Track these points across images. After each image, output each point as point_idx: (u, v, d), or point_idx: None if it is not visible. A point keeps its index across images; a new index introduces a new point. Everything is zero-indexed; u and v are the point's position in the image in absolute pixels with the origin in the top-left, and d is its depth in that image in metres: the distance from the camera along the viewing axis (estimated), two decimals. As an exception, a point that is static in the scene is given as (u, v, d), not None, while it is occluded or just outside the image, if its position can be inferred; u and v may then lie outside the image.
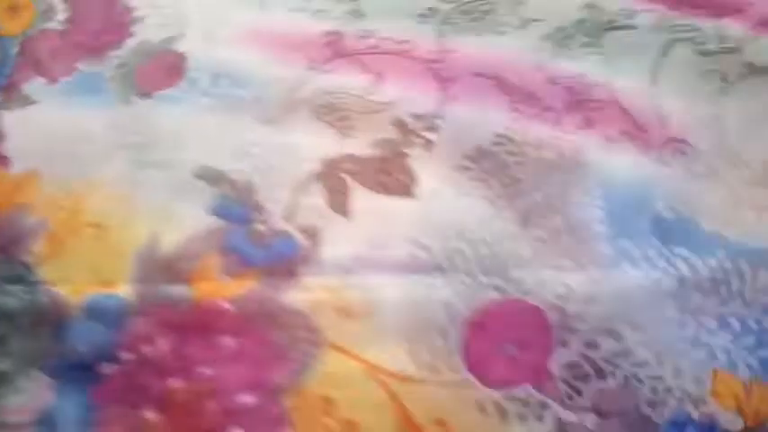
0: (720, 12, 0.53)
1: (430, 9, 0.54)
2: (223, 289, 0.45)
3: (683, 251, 0.46)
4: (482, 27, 0.53)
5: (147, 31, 0.53)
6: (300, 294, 0.45)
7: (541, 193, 0.48)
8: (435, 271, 0.46)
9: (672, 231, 0.47)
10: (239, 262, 0.46)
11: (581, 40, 0.53)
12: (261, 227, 0.47)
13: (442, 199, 0.48)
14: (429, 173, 0.49)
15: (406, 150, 0.49)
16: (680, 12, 0.53)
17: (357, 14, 0.54)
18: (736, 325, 0.44)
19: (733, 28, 0.53)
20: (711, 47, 0.53)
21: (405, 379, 0.43)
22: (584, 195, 0.48)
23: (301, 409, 0.43)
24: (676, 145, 0.50)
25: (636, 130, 0.50)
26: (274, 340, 0.44)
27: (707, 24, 0.53)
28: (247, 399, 0.43)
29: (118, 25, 0.53)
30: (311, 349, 0.44)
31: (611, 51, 0.52)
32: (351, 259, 0.46)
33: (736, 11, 0.53)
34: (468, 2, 0.54)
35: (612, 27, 0.53)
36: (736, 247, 0.46)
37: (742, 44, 0.53)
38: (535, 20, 0.53)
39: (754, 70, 0.52)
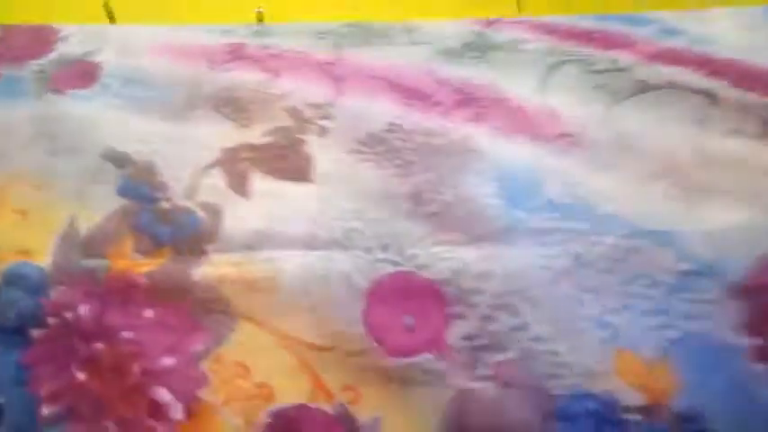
0: (610, 46, 0.57)
1: (329, 31, 0.59)
2: (137, 266, 0.46)
3: (579, 227, 0.47)
4: (376, 44, 0.58)
5: (69, 47, 0.58)
6: (208, 269, 0.46)
7: (433, 173, 0.49)
8: (334, 246, 0.47)
9: (566, 210, 0.48)
10: (149, 241, 0.48)
11: (470, 55, 0.57)
12: (165, 204, 0.49)
13: (338, 181, 0.50)
14: (325, 157, 0.51)
15: (301, 137, 0.52)
16: (570, 42, 0.57)
17: (262, 34, 0.59)
18: (640, 305, 0.44)
19: (623, 57, 0.56)
20: (601, 67, 0.55)
21: (313, 347, 0.43)
22: (477, 175, 0.49)
23: (218, 372, 0.43)
24: (569, 138, 0.51)
25: (527, 124, 0.52)
26: (188, 311, 0.45)
27: (596, 52, 0.56)
28: (168, 361, 0.44)
29: (43, 43, 0.59)
30: (224, 319, 0.45)
31: (497, 63, 0.56)
32: (252, 236, 0.47)
33: (625, 46, 0.57)
34: (365, 28, 0.59)
35: (503, 50, 0.57)
36: (635, 227, 0.47)
37: (632, 66, 0.55)
38: (425, 42, 0.58)
39: (648, 87, 0.54)
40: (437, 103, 0.53)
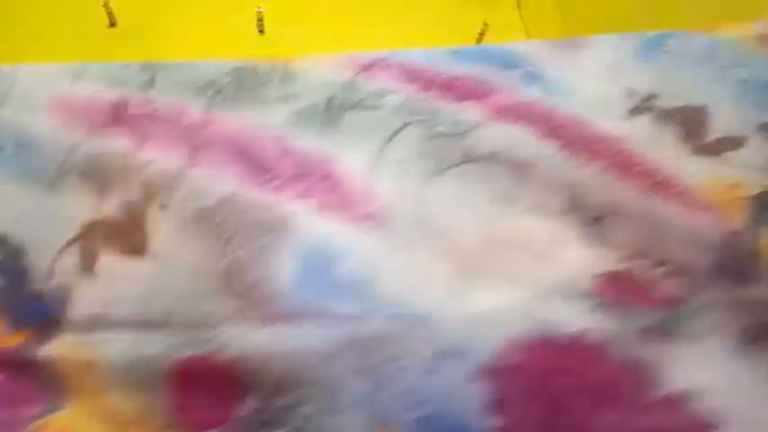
0: (463, 96, 0.59)
1: (210, 83, 0.60)
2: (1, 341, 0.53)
3: (354, 309, 0.51)
4: (248, 100, 0.59)
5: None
6: (52, 348, 0.52)
7: (248, 251, 0.53)
8: (152, 327, 0.52)
9: (350, 292, 0.51)
10: (12, 322, 0.54)
11: (324, 117, 0.59)
12: (28, 287, 0.55)
13: (168, 258, 0.54)
14: (160, 233, 0.55)
15: (146, 211, 0.55)
16: (428, 93, 0.59)
17: (150, 84, 0.60)
18: (398, 385, 0.48)
19: (469, 112, 0.58)
20: (440, 130, 0.58)
21: (128, 421, 0.50)
22: (286, 254, 0.53)
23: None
24: (379, 217, 0.54)
25: (345, 201, 0.55)
26: (30, 384, 0.52)
27: (446, 108, 0.58)
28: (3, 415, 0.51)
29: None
30: (57, 394, 0.52)
31: (347, 128, 0.58)
32: (90, 318, 0.53)
33: (480, 97, 0.58)
34: (245, 75, 0.60)
35: (360, 107, 0.59)
36: (403, 309, 0.50)
37: (471, 129, 0.57)
38: (296, 95, 0.59)
39: (470, 157, 0.57)
40: (276, 177, 0.56)
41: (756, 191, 0.54)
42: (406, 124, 0.58)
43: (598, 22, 0.85)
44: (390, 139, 0.58)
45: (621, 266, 0.53)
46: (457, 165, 0.56)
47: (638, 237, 0.53)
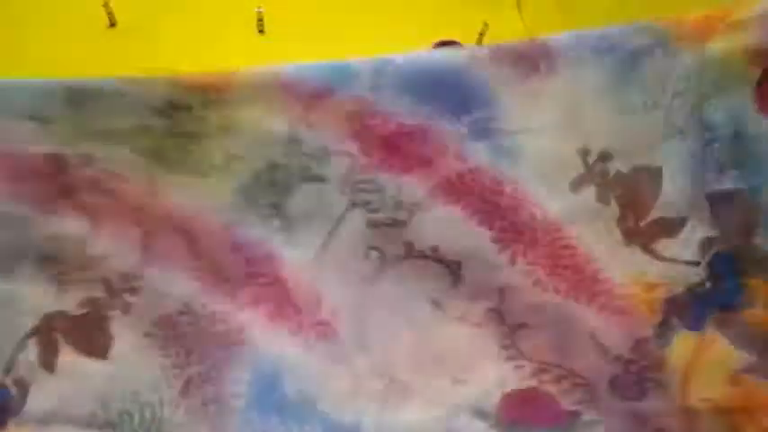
0: (408, 164, 0.57)
1: (144, 127, 0.56)
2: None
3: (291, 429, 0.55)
4: (190, 163, 0.57)
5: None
6: None
7: (204, 366, 0.56)
8: (107, 427, 0.55)
9: (294, 412, 0.55)
10: None
11: (269, 197, 0.57)
12: None
13: (130, 363, 0.57)
14: (123, 337, 0.57)
15: (108, 312, 0.57)
16: (371, 158, 0.57)
17: (78, 136, 0.56)
18: None
19: (413, 188, 0.57)
20: (382, 216, 0.57)
21: None
22: (237, 371, 0.56)
23: None
24: (322, 329, 0.57)
25: (293, 311, 0.57)
26: None
27: (389, 184, 0.57)
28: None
29: None
30: None
31: (290, 219, 0.57)
32: (47, 413, 0.56)
33: (424, 164, 0.57)
34: (180, 125, 0.56)
35: (304, 178, 0.57)
36: (339, 426, 0.55)
37: (411, 215, 0.57)
38: (237, 157, 0.57)
39: (410, 253, 0.57)
40: (227, 280, 0.58)
41: (676, 290, 0.55)
42: (349, 207, 0.57)
43: (598, 21, 0.84)
44: (335, 227, 0.58)
45: (529, 382, 0.56)
46: (397, 262, 0.58)
47: (549, 348, 0.56)
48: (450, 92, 0.57)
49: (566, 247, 0.56)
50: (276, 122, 0.57)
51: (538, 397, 0.56)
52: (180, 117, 0.56)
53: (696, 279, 0.54)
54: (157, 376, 0.56)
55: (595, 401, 0.55)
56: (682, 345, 0.54)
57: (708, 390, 0.53)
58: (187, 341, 0.57)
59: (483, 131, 0.57)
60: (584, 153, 0.57)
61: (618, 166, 0.56)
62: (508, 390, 0.56)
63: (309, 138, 0.57)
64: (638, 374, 0.55)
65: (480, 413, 0.56)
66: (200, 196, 0.57)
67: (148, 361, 0.57)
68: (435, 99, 0.57)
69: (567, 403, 0.55)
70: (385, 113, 0.57)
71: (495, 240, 0.56)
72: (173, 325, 0.57)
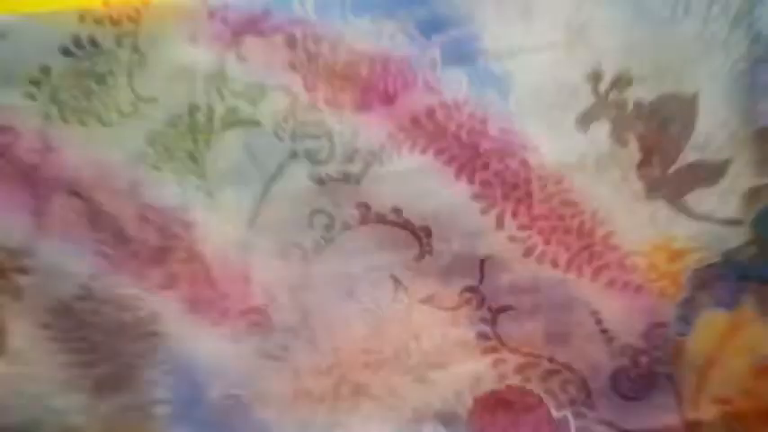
0: (364, 100, 0.44)
1: (41, 69, 0.46)
2: None
3: None
4: (91, 109, 0.46)
5: None
6: None
7: (115, 364, 0.47)
8: None
9: (222, 419, 0.46)
10: None
11: (186, 148, 0.46)
12: None
13: (28, 361, 0.48)
14: (18, 329, 0.48)
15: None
16: (317, 95, 0.44)
17: None
18: None
19: (370, 131, 0.44)
20: (330, 169, 0.45)
21: None
22: (155, 371, 0.47)
23: None
24: (253, 317, 0.46)
25: (216, 295, 0.46)
26: None
27: (340, 127, 0.44)
28: None
29: None
30: None
31: (213, 176, 0.46)
32: None
33: (384, 99, 0.44)
34: (83, 64, 0.46)
35: (230, 123, 0.45)
36: None
37: (367, 168, 0.44)
38: (149, 99, 0.46)
39: (365, 217, 0.45)
40: (134, 255, 0.47)
41: (709, 258, 0.43)
42: (288, 158, 0.45)
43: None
44: (269, 185, 0.45)
45: (512, 381, 0.45)
46: (349, 229, 0.45)
47: (539, 337, 0.44)
48: (415, 4, 0.44)
49: (568, 203, 0.43)
50: (198, 55, 0.45)
51: (521, 399, 0.45)
52: (85, 55, 0.46)
53: (736, 243, 0.42)
54: (60, 377, 0.47)
55: (590, 403, 0.44)
56: (706, 328, 0.43)
57: (726, 386, 0.43)
58: (90, 333, 0.47)
59: (460, 54, 0.44)
60: (595, 78, 0.43)
61: (639, 94, 0.42)
62: (485, 391, 0.45)
63: (239, 73, 0.45)
64: (648, 368, 0.44)
65: (449, 420, 0.45)
66: (104, 150, 0.46)
67: (49, 359, 0.48)
68: (397, 15, 0.44)
69: (555, 406, 0.45)
70: (333, 38, 0.44)
71: (477, 197, 0.43)
72: (70, 313, 0.47)
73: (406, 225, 0.44)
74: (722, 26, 0.42)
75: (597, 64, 0.43)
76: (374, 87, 0.44)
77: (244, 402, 0.46)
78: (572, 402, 0.44)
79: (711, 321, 0.43)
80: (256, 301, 0.46)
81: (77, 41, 0.45)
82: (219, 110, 0.45)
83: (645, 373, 0.44)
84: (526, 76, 0.43)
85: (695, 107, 0.42)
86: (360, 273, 0.45)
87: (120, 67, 0.46)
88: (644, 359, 0.44)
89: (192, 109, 0.46)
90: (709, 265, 0.43)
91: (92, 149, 0.46)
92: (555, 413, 0.45)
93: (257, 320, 0.46)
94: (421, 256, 0.44)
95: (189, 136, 0.46)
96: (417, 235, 0.44)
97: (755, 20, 0.42)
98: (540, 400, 0.45)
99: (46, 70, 0.46)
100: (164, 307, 0.47)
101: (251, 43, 0.45)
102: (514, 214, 0.43)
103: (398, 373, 0.46)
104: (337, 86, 0.44)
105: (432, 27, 0.44)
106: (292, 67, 0.45)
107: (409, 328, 0.45)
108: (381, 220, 0.44)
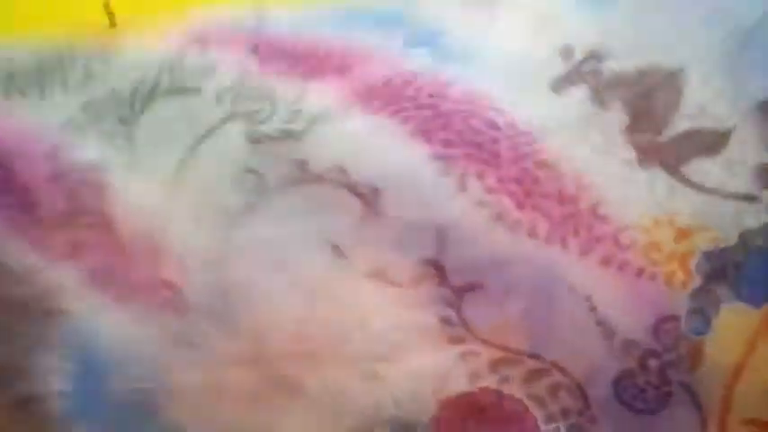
0: (319, 70, 0.40)
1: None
2: None
3: None
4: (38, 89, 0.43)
5: None
6: None
7: (9, 347, 0.40)
8: None
9: (126, 418, 0.38)
10: None
11: (119, 111, 0.42)
12: None
13: None
14: None
15: None
16: (269, 68, 0.40)
17: None
18: None
19: (320, 95, 0.39)
20: (270, 128, 0.39)
21: None
22: (53, 355, 0.39)
23: None
24: (165, 293, 0.39)
25: (123, 265, 0.39)
26: None
27: (288, 90, 0.40)
28: None
29: None
30: None
31: (140, 137, 0.41)
32: None
33: (340, 70, 0.40)
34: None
35: (171, 91, 0.41)
36: None
37: (310, 125, 0.39)
38: (97, 75, 0.42)
39: (302, 176, 0.39)
40: (39, 221, 0.41)
41: (722, 239, 0.35)
42: (226, 119, 0.40)
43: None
44: (198, 144, 0.40)
45: (485, 381, 0.36)
46: (282, 189, 0.39)
47: (516, 325, 0.36)
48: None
49: (543, 164, 0.36)
50: (162, 51, 0.42)
51: (498, 406, 0.35)
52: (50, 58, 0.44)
53: (753, 222, 0.35)
54: None
55: (589, 415, 0.35)
56: (729, 328, 0.34)
57: (759, 404, 0.34)
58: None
59: (422, 38, 0.40)
60: (567, 52, 0.38)
61: (614, 66, 0.37)
62: (452, 393, 0.35)
63: (196, 60, 0.42)
64: (660, 374, 0.34)
65: (406, 429, 0.35)
66: (36, 118, 0.42)
67: None
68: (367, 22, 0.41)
69: (543, 417, 0.35)
70: (300, 36, 0.41)
71: (435, 157, 0.37)
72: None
73: (349, 185, 0.37)
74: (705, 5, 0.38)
75: (569, 41, 0.38)
76: (330, 62, 0.40)
77: (152, 399, 0.38)
78: (565, 413, 0.34)
79: (735, 320, 0.34)
80: (170, 274, 0.39)
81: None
82: (165, 85, 0.42)
83: (656, 380, 0.34)
84: (493, 51, 0.39)
85: (680, 79, 0.37)
86: (291, 238, 0.37)
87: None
88: (654, 362, 0.34)
89: (140, 84, 0.42)
90: (724, 249, 0.35)
91: (22, 118, 0.42)
92: (543, 426, 0.34)
93: (169, 297, 0.38)
94: (366, 221, 0.37)
95: (127, 102, 0.42)
96: (364, 197, 0.37)
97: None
98: (525, 409, 0.34)
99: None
100: (65, 279, 0.40)
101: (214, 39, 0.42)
102: (480, 176, 0.36)
103: (340, 366, 0.36)
104: (292, 61, 0.41)
105: (395, 22, 0.41)
106: (250, 51, 0.41)
107: (353, 308, 0.37)
108: (319, 178, 0.38)
